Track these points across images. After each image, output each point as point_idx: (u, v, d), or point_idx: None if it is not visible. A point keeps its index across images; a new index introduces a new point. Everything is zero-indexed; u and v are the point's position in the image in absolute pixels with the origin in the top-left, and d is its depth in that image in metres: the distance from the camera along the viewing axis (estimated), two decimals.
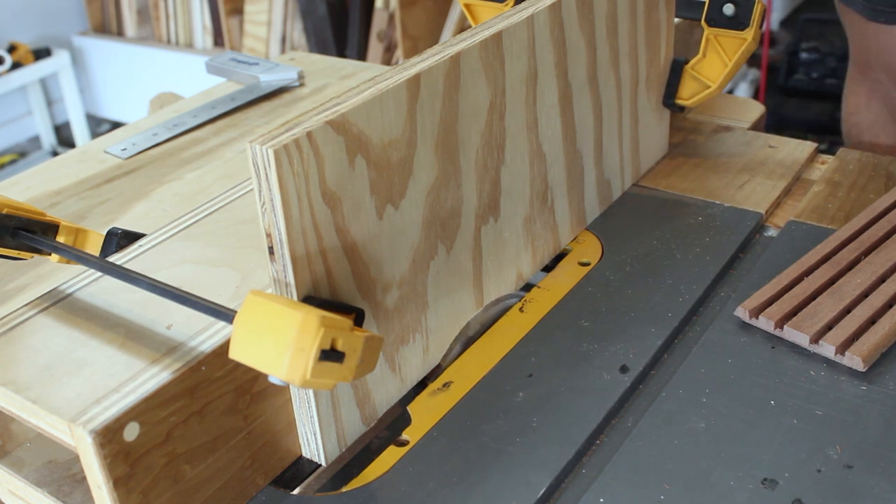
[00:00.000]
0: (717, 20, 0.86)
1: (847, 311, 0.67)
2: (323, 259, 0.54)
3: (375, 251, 0.58)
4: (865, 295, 0.69)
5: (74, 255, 0.59)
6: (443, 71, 0.60)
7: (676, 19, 0.90)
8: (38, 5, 3.20)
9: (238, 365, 0.53)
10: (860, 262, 0.72)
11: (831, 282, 0.71)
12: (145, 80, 3.17)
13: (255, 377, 0.56)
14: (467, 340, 0.70)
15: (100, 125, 3.45)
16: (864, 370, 0.63)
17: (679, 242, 0.79)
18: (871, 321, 0.66)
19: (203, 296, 0.52)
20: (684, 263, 0.76)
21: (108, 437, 0.48)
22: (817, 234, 0.78)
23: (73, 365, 0.53)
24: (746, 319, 0.68)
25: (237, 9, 3.01)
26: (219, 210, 0.70)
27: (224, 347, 0.53)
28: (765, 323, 0.67)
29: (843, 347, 0.64)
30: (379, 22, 2.71)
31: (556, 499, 0.57)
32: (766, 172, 0.90)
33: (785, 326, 0.66)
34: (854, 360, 0.63)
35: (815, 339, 0.65)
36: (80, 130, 3.32)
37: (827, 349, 0.64)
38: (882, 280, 0.70)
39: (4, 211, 0.60)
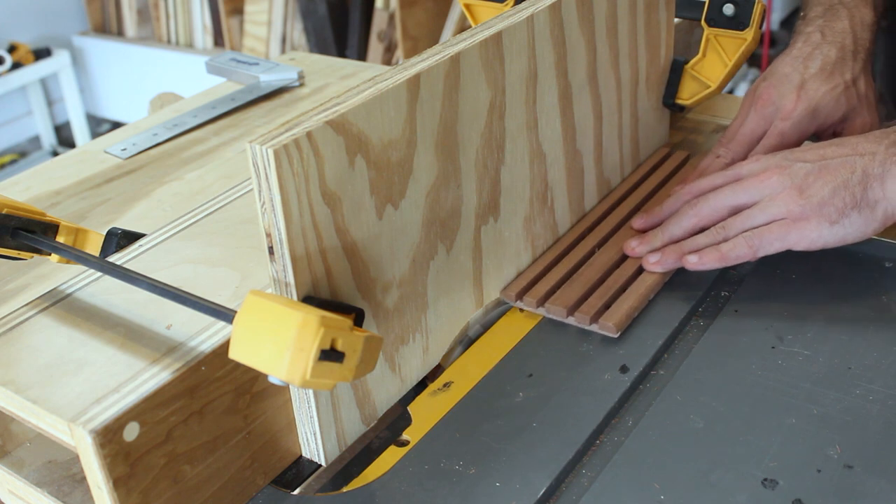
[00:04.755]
0: (717, 20, 0.86)
1: (598, 284, 0.73)
2: (323, 259, 0.54)
3: (375, 251, 0.58)
4: (604, 279, 0.74)
5: (74, 255, 0.59)
6: (443, 71, 0.60)
7: (676, 19, 0.90)
8: (38, 5, 3.20)
9: (238, 365, 0.53)
10: (594, 254, 0.77)
11: (584, 260, 0.76)
12: (145, 80, 3.17)
13: (255, 377, 0.56)
14: (468, 341, 0.70)
15: (100, 125, 3.45)
16: (616, 335, 0.68)
17: None
18: (621, 290, 0.72)
19: (203, 296, 0.52)
20: None
21: (108, 437, 0.48)
22: None
23: (73, 365, 0.53)
24: (512, 302, 0.73)
25: (237, 9, 3.01)
26: (219, 210, 0.70)
27: (224, 347, 0.53)
28: (529, 303, 0.72)
29: (596, 317, 0.69)
30: (379, 22, 2.71)
31: (556, 499, 0.57)
32: None
33: (546, 304, 0.71)
34: (607, 326, 0.68)
35: (571, 313, 0.70)
36: (80, 130, 3.32)
37: (582, 319, 0.69)
38: (615, 267, 0.75)
39: (4, 211, 0.60)
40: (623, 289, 0.72)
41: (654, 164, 0.89)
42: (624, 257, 0.76)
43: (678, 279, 0.74)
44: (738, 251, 0.69)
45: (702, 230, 0.73)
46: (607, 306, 0.70)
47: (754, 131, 0.82)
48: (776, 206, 0.69)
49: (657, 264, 0.73)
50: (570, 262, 0.76)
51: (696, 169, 0.84)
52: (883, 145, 0.68)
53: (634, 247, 0.75)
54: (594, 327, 0.69)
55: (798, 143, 0.80)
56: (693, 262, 0.71)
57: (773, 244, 0.69)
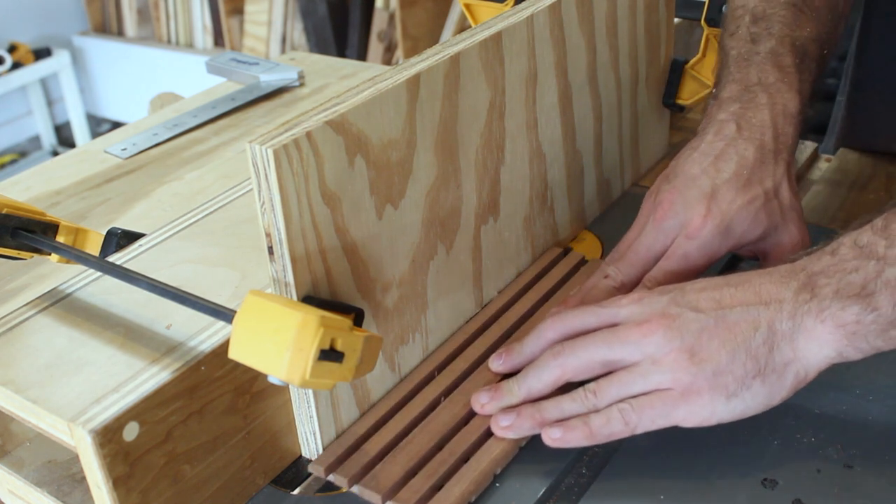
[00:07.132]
0: (716, 20, 0.86)
1: (434, 452, 0.58)
2: (322, 259, 0.54)
3: (375, 251, 0.58)
4: (441, 446, 0.59)
5: (74, 254, 0.59)
6: (443, 71, 0.60)
7: (676, 19, 0.90)
8: (38, 5, 3.20)
9: (237, 365, 0.53)
10: (438, 406, 0.62)
11: (424, 415, 0.61)
12: (145, 80, 3.17)
13: (255, 377, 0.56)
14: None
15: (100, 125, 3.45)
16: None
17: None
18: (462, 462, 0.58)
19: (203, 296, 0.52)
20: None
21: (108, 436, 0.48)
22: (816, 235, 0.78)
23: (73, 365, 0.53)
24: (323, 477, 0.58)
25: (237, 9, 3.01)
26: (219, 210, 0.70)
27: (224, 347, 0.53)
28: (340, 480, 0.57)
29: None
30: (379, 22, 2.71)
31: (556, 499, 0.57)
32: None
33: (359, 484, 0.57)
34: None
35: (388, 498, 0.56)
36: (80, 130, 3.32)
37: None
38: (457, 429, 0.60)
39: (4, 211, 0.60)
40: (464, 459, 0.57)
41: (541, 269, 0.75)
42: (472, 413, 0.61)
43: (537, 442, 0.59)
44: (612, 427, 0.56)
45: (568, 383, 0.59)
46: (437, 488, 0.56)
47: (651, 248, 0.67)
48: (660, 372, 0.55)
49: (509, 429, 0.58)
50: (406, 417, 0.60)
51: (580, 289, 0.68)
52: (791, 289, 0.54)
53: (484, 403, 0.60)
54: None
55: (706, 267, 0.66)
56: (555, 438, 0.57)
57: (654, 421, 0.56)
